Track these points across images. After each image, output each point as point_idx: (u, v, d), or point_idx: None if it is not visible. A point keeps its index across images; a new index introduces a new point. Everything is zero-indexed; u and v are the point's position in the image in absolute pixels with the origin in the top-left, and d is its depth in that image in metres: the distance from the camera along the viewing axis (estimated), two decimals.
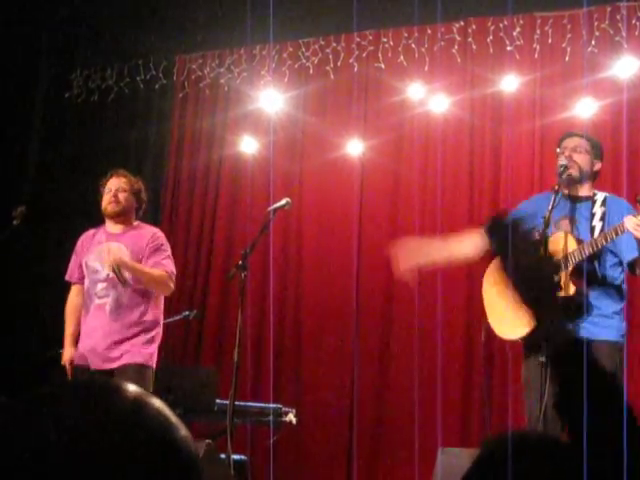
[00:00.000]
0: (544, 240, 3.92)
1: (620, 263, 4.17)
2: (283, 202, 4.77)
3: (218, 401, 5.19)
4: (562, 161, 4.30)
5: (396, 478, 5.77)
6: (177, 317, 5.70)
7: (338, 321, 6.20)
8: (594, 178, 4.39)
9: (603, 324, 4.07)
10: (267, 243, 6.10)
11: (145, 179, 5.16)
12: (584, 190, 4.31)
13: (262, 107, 6.58)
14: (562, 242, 4.12)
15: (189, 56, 7.07)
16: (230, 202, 6.74)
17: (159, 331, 4.70)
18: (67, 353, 4.68)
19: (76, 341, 4.71)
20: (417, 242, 4.47)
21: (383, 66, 6.40)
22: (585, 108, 5.58)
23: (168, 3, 6.86)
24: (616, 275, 4.18)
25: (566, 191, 4.27)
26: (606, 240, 3.98)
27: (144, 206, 4.91)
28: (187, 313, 5.56)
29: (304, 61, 6.66)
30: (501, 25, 6.11)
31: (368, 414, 5.99)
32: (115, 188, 4.72)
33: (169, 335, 5.53)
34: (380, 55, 6.41)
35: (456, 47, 6.22)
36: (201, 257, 6.68)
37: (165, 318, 4.90)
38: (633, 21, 5.79)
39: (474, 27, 6.20)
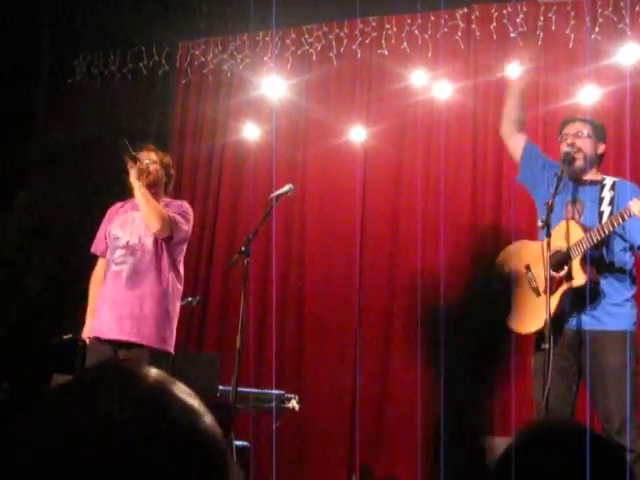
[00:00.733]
0: (546, 227, 3.91)
1: (630, 248, 4.12)
2: (286, 188, 4.76)
3: (221, 387, 5.21)
4: (565, 148, 4.27)
5: (399, 463, 5.79)
6: (180, 303, 5.70)
7: (341, 306, 6.20)
8: (599, 161, 4.35)
9: (615, 312, 4.03)
10: (270, 229, 6.11)
11: None
12: (591, 174, 4.26)
13: (265, 93, 6.56)
14: (565, 230, 4.09)
15: (192, 42, 7.06)
16: (233, 189, 6.74)
17: (177, 305, 4.63)
18: (88, 326, 4.60)
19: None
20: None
21: (386, 52, 6.39)
22: (588, 95, 5.57)
23: None
24: (626, 259, 4.13)
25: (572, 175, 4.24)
26: (613, 226, 3.93)
27: (172, 182, 4.94)
28: (190, 299, 5.56)
29: (307, 47, 6.65)
30: (504, 12, 6.09)
31: (371, 401, 6.00)
32: (145, 161, 4.73)
33: None
34: (383, 42, 6.40)
35: (459, 34, 6.20)
36: (204, 243, 6.68)
37: None
38: (637, 8, 5.77)
39: (477, 14, 6.19)
